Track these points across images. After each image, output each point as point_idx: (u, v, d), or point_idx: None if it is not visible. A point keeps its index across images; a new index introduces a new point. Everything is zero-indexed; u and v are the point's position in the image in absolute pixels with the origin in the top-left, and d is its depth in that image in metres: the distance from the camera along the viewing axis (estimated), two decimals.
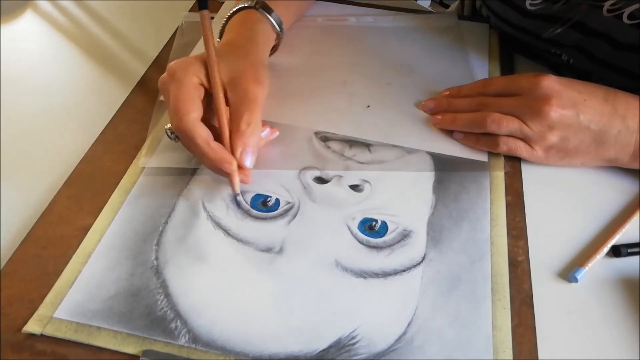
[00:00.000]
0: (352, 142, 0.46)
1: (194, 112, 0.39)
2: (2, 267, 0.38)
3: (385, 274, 0.37)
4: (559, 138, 0.42)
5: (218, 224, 0.40)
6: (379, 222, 0.40)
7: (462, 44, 0.57)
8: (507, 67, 0.55)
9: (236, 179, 0.39)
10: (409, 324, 0.35)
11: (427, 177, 0.44)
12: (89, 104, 0.52)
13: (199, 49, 0.56)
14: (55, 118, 0.51)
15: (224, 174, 0.40)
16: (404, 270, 0.38)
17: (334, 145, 0.46)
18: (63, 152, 0.47)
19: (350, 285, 0.37)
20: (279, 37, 0.51)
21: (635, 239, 0.40)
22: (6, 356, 0.33)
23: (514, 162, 0.45)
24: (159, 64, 0.55)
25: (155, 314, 0.35)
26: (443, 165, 0.45)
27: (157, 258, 0.38)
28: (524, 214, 0.42)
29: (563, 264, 0.39)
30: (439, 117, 0.47)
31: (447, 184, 0.43)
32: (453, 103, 0.48)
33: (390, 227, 0.40)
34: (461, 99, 0.48)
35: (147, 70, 0.54)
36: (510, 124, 0.43)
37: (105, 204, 0.41)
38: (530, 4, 0.51)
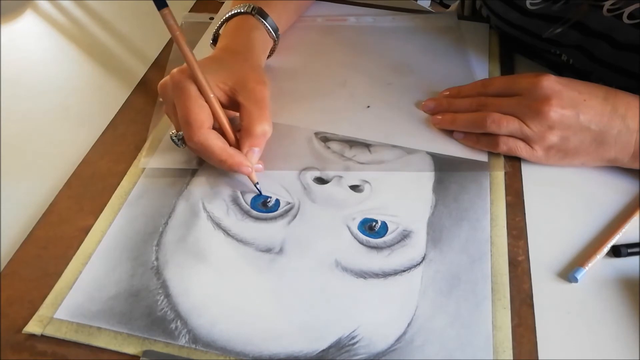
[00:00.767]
0: (352, 143, 0.46)
1: (207, 123, 0.40)
2: (2, 267, 0.38)
3: (385, 274, 0.37)
4: (559, 138, 0.42)
5: (218, 225, 0.40)
6: (379, 223, 0.40)
7: (462, 44, 0.57)
8: (507, 67, 0.55)
9: (253, 174, 0.41)
10: (409, 324, 0.35)
11: (427, 177, 0.44)
12: (89, 104, 0.52)
13: (199, 49, 0.56)
14: (55, 118, 0.51)
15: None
16: (404, 271, 0.38)
17: (334, 145, 0.46)
18: (63, 152, 0.47)
19: (350, 286, 0.37)
20: (275, 42, 0.51)
21: (635, 239, 0.40)
22: (6, 356, 0.33)
23: (514, 162, 0.45)
24: (159, 64, 0.55)
25: (156, 315, 0.35)
26: (443, 165, 0.45)
27: (157, 258, 0.38)
28: (524, 214, 0.42)
29: (563, 264, 0.39)
30: (439, 117, 0.47)
31: (447, 184, 0.43)
32: (453, 103, 0.48)
33: (390, 227, 0.40)
34: (461, 99, 0.48)
35: (147, 71, 0.54)
36: (510, 124, 0.43)
37: (105, 205, 0.41)
38: (531, 4, 0.51)
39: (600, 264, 0.38)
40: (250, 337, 0.34)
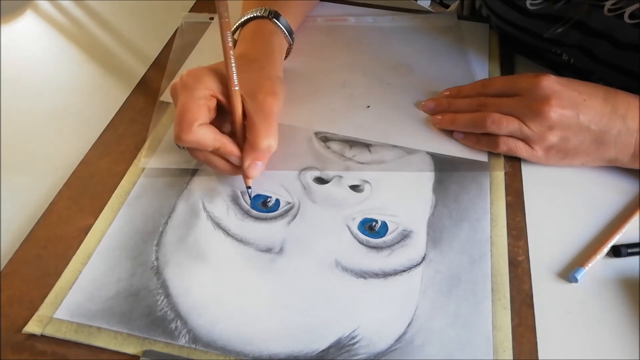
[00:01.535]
0: (352, 143, 0.46)
1: (199, 120, 0.38)
2: (2, 267, 0.38)
3: (385, 274, 0.37)
4: (559, 138, 0.42)
5: (218, 225, 0.40)
6: (379, 223, 0.40)
7: (462, 44, 0.57)
8: (507, 67, 0.55)
9: (248, 180, 0.41)
10: (409, 324, 0.35)
11: (427, 177, 0.44)
12: (89, 104, 0.52)
13: (199, 49, 0.56)
14: (55, 118, 0.51)
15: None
16: (404, 271, 0.38)
17: (334, 145, 0.46)
18: (63, 152, 0.47)
19: (350, 286, 0.37)
20: (290, 45, 0.51)
21: (635, 239, 0.40)
22: (6, 356, 0.33)
23: (514, 162, 0.45)
24: (159, 64, 0.55)
25: (156, 314, 0.35)
26: (443, 165, 0.45)
27: (157, 258, 0.38)
28: (524, 214, 0.42)
29: (563, 264, 0.39)
30: (439, 117, 0.47)
31: (447, 184, 0.43)
32: (453, 103, 0.48)
33: (390, 227, 0.40)
34: (461, 99, 0.48)
35: (147, 71, 0.54)
36: (510, 125, 0.43)
37: (105, 205, 0.41)
38: (531, 4, 0.51)
39: (600, 264, 0.38)
40: (250, 337, 0.34)
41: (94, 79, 0.56)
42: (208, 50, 0.56)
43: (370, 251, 0.39)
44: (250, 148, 0.39)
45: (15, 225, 0.41)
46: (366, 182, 0.43)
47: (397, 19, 0.61)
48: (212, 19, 0.60)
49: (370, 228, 0.40)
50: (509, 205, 0.42)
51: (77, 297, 0.36)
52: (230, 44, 0.37)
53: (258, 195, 0.42)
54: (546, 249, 0.39)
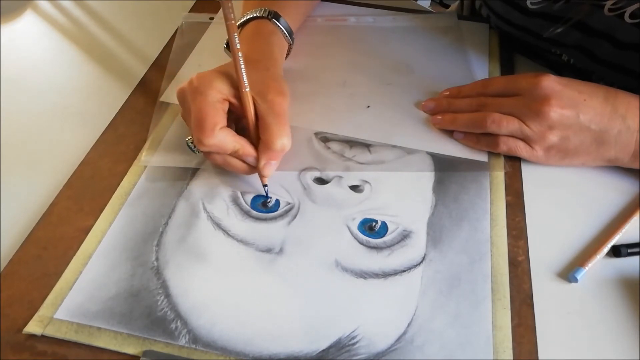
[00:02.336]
0: (352, 143, 0.46)
1: (220, 124, 0.39)
2: (2, 267, 0.38)
3: (385, 274, 0.37)
4: (559, 138, 0.42)
5: (218, 225, 0.40)
6: (379, 223, 0.40)
7: (462, 44, 0.57)
8: (507, 67, 0.55)
9: (265, 179, 0.41)
10: (409, 324, 0.35)
11: (427, 177, 0.44)
12: (89, 104, 0.52)
13: (199, 49, 0.56)
14: (55, 118, 0.51)
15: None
16: (404, 271, 0.38)
17: (334, 145, 0.46)
18: (63, 152, 0.47)
19: (350, 286, 0.37)
20: (290, 45, 0.51)
21: (635, 239, 0.40)
22: (6, 356, 0.33)
23: (514, 162, 0.45)
24: (159, 64, 0.55)
25: (156, 315, 0.35)
26: (443, 166, 0.45)
27: (157, 259, 0.38)
28: (524, 214, 0.42)
29: (563, 264, 0.39)
30: (439, 117, 0.47)
31: (447, 184, 0.43)
32: (453, 103, 0.48)
33: (390, 227, 0.40)
34: (461, 99, 0.48)
35: (147, 71, 0.54)
36: (510, 124, 0.43)
37: (105, 205, 0.41)
38: (531, 3, 0.51)
39: (600, 264, 0.38)
40: (250, 337, 0.34)
41: (94, 79, 0.56)
42: (208, 50, 0.56)
43: (370, 251, 0.39)
44: (265, 148, 0.40)
45: (16, 225, 0.41)
46: (366, 182, 0.43)
47: (397, 19, 0.61)
48: (212, 19, 0.60)
49: (370, 228, 0.40)
50: (509, 205, 0.42)
51: (77, 297, 0.36)
52: (238, 46, 0.37)
53: (258, 196, 0.42)
54: (546, 249, 0.39)
